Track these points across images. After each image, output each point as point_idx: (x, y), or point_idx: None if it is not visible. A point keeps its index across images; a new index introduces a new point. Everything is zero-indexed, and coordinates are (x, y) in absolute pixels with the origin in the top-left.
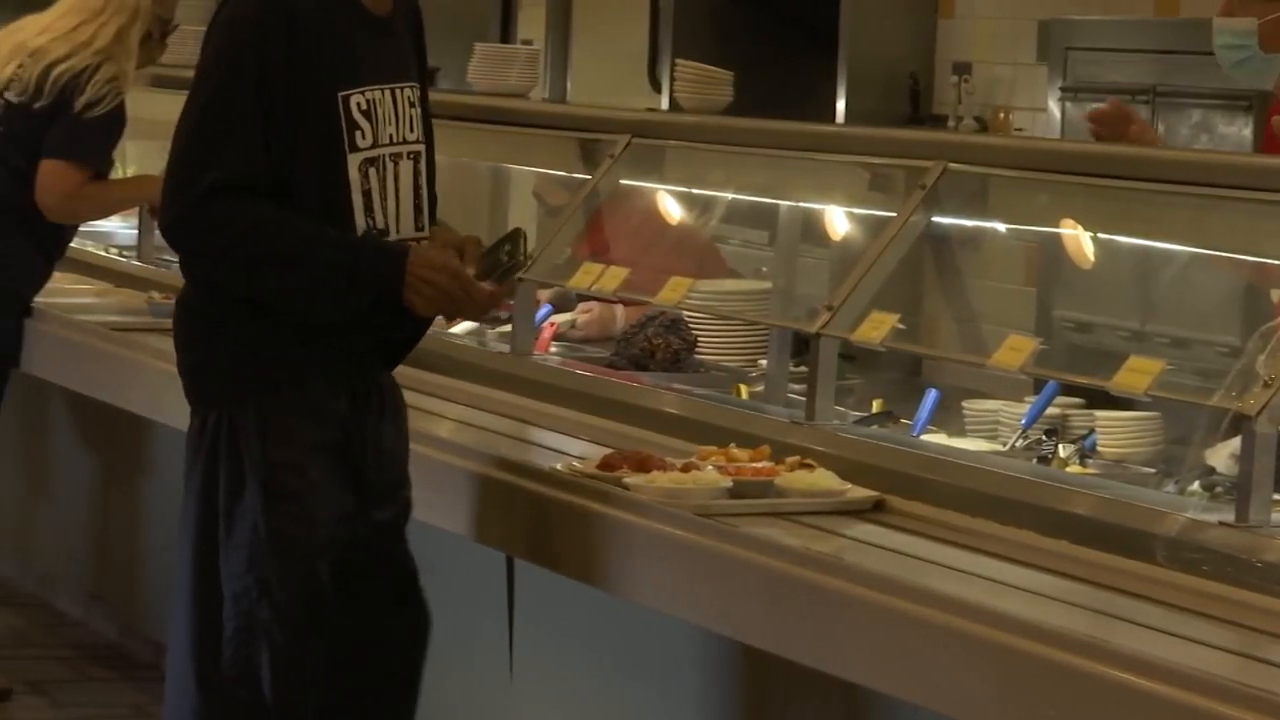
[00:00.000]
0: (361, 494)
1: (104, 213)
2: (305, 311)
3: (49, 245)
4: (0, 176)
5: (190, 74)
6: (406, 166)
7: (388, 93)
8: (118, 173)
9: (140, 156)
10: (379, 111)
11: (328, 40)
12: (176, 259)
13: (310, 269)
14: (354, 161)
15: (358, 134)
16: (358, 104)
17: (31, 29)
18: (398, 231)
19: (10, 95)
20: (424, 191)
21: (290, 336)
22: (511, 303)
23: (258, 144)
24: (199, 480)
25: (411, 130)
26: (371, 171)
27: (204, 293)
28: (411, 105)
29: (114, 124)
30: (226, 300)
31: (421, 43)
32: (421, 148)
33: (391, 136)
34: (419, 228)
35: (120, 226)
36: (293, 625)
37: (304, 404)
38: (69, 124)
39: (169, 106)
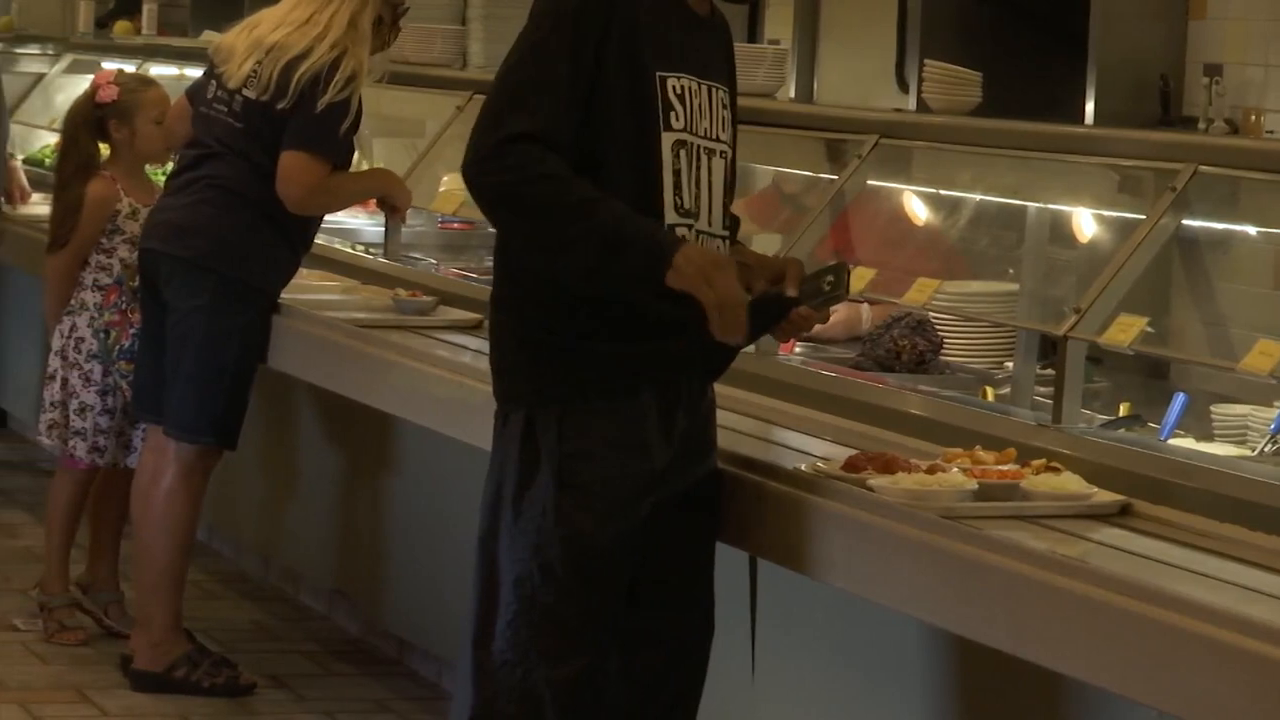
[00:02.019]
0: (657, 491)
1: (342, 204)
2: (569, 272)
3: (295, 239)
4: (243, 173)
5: (437, 72)
6: (718, 165)
7: (703, 87)
8: (361, 169)
9: (386, 153)
10: (693, 101)
11: (647, 21)
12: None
13: (583, 233)
14: (667, 140)
15: (672, 114)
16: (673, 87)
17: (267, 24)
18: (709, 223)
19: (248, 92)
20: (730, 195)
21: (602, 343)
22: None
23: (567, 102)
24: (495, 470)
25: (724, 130)
26: (683, 153)
27: (517, 291)
28: (724, 107)
29: (351, 114)
30: (539, 301)
31: (731, 51)
32: (730, 151)
33: (706, 131)
34: (724, 226)
35: (367, 224)
36: (573, 611)
37: (607, 405)
38: (308, 117)
39: (415, 104)
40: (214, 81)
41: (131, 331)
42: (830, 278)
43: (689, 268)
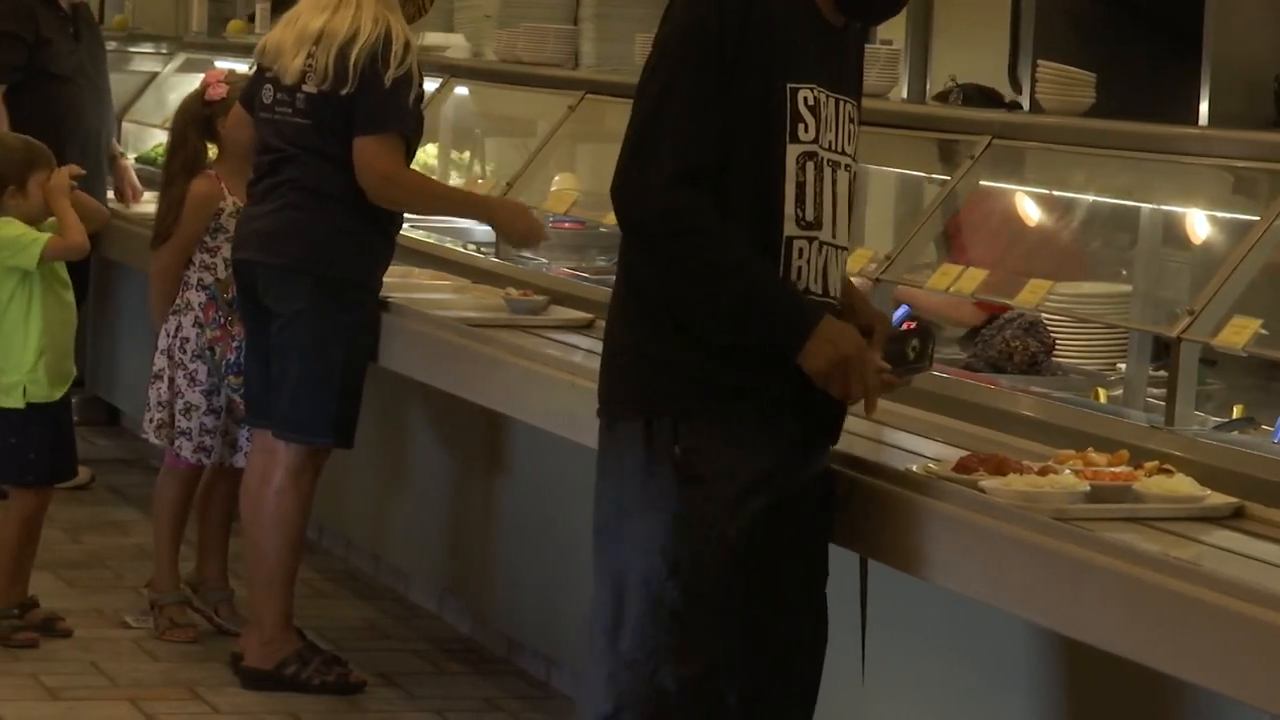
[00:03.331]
0: (773, 491)
1: (420, 204)
2: (704, 325)
3: (385, 223)
4: (322, 170)
5: (549, 72)
6: (843, 178)
7: (832, 99)
8: (473, 169)
9: (498, 153)
10: (823, 113)
11: (782, 31)
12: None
13: (727, 293)
14: (793, 152)
15: (801, 126)
16: (804, 98)
17: (307, 13)
18: (833, 235)
19: (309, 87)
20: (853, 207)
21: (718, 368)
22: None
23: (716, 130)
24: (613, 472)
25: (849, 144)
26: (810, 165)
27: (637, 301)
28: (851, 121)
29: (415, 84)
30: (653, 309)
31: (861, 65)
32: (855, 166)
33: (831, 143)
34: (848, 238)
35: (478, 224)
36: (697, 609)
37: (721, 415)
38: (375, 98)
39: (527, 104)
40: (269, 85)
41: (235, 345)
42: (915, 343)
43: (820, 364)
